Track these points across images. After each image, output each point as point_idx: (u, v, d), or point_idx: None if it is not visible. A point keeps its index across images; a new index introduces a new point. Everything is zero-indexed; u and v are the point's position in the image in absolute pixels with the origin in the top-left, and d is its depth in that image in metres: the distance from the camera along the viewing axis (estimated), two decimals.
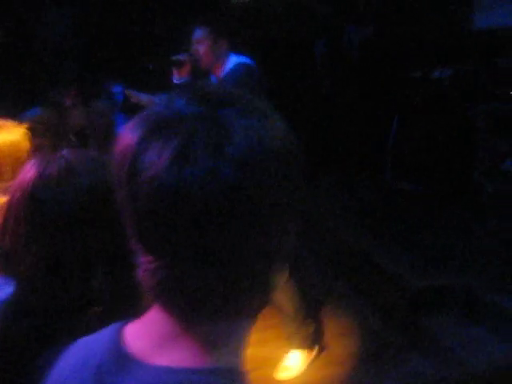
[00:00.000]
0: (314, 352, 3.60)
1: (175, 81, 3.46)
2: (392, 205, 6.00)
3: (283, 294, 3.35)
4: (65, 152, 1.29)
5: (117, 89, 5.38)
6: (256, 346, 3.48)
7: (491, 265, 4.38)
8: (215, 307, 0.69)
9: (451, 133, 6.11)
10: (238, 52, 3.46)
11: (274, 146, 0.64)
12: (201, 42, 3.35)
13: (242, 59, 3.43)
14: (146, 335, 0.75)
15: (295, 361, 3.53)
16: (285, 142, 0.66)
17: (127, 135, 0.66)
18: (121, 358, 0.74)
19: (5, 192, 1.45)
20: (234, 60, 3.40)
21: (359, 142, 6.66)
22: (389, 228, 5.30)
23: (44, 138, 3.30)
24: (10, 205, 1.22)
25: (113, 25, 6.68)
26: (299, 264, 3.43)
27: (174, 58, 3.45)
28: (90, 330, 0.84)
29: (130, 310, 0.82)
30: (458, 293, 4.07)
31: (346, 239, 5.20)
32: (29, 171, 1.23)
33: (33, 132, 3.26)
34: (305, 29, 7.42)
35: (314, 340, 3.58)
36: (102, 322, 0.83)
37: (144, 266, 0.68)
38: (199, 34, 3.36)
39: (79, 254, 1.18)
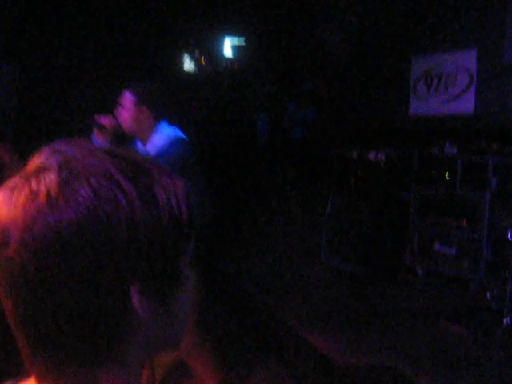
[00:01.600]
0: None
1: (95, 142, 3.25)
2: (325, 282, 6.00)
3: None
4: None
5: None
6: None
7: (420, 347, 4.37)
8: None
9: (384, 214, 6.23)
10: (168, 122, 3.35)
11: (65, 234, 0.64)
12: (124, 106, 3.28)
13: (175, 132, 3.33)
14: None
15: None
16: (79, 229, 0.65)
17: None
18: None
19: None
20: (166, 132, 3.31)
21: (296, 218, 6.71)
22: (320, 305, 5.26)
23: None
24: None
25: (56, 81, 6.62)
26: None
27: (97, 118, 3.36)
28: None
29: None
30: (387, 375, 4.01)
31: (276, 315, 5.11)
32: None
33: None
34: (248, 104, 7.58)
35: None
36: None
37: None
38: (124, 97, 3.28)
39: None
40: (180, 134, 3.36)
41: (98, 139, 3.35)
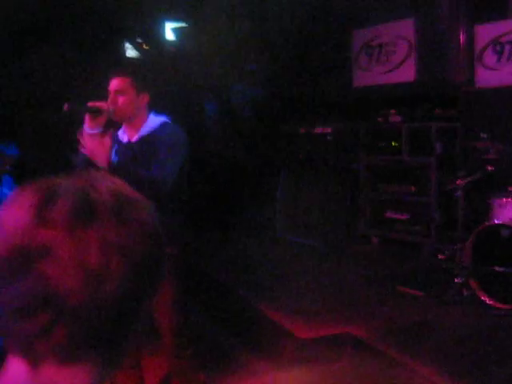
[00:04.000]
0: None
1: (88, 130, 3.04)
2: (281, 257, 6.09)
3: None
4: None
5: (10, 150, 4.95)
6: None
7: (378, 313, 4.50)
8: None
9: (334, 186, 6.34)
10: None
11: None
12: (123, 92, 3.12)
13: (163, 118, 3.24)
14: None
15: None
16: None
17: None
18: None
19: None
20: (154, 118, 3.21)
21: (249, 197, 6.76)
22: (276, 279, 5.33)
23: None
24: None
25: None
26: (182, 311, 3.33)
27: (92, 105, 3.08)
28: None
29: None
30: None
31: (233, 291, 5.17)
32: None
33: None
34: (194, 87, 7.55)
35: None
36: None
37: None
38: (121, 84, 3.14)
39: None
40: (166, 119, 3.31)
41: (92, 127, 3.04)
